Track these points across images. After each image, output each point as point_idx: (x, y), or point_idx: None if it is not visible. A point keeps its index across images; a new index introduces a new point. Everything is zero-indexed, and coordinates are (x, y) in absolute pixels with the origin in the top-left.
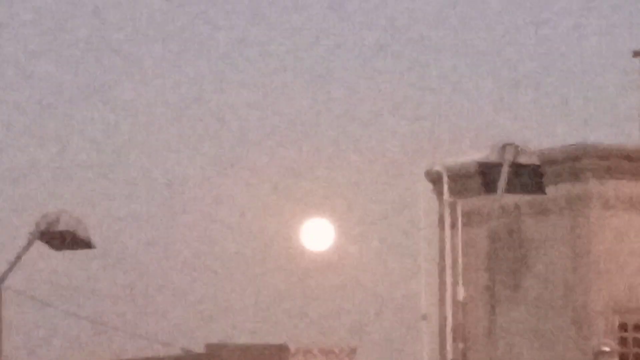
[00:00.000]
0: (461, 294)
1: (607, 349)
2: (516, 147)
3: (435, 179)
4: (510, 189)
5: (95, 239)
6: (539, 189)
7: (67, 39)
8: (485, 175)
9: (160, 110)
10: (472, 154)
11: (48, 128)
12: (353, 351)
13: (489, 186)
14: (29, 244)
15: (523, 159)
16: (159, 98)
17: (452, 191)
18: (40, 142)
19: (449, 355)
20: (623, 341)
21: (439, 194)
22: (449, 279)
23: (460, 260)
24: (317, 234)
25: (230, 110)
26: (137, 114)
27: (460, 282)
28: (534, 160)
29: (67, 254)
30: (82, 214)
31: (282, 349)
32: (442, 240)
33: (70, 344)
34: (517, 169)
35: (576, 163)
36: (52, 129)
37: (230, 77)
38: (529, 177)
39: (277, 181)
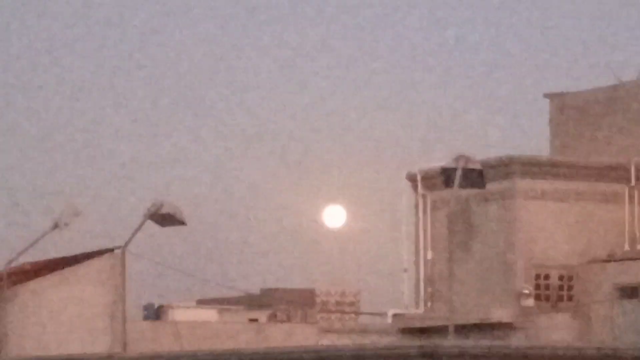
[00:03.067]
0: (429, 255)
1: (526, 291)
2: (466, 157)
3: (413, 179)
4: (462, 185)
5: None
6: (481, 185)
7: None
8: (446, 176)
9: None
10: (438, 162)
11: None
12: (358, 293)
13: (448, 183)
14: (143, 222)
15: (470, 165)
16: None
17: (424, 187)
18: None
19: (422, 296)
20: (537, 286)
21: (415, 188)
22: (421, 245)
23: (429, 233)
24: (334, 216)
25: (273, 115)
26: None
27: (429, 247)
28: (477, 166)
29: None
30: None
31: (310, 291)
32: (417, 220)
33: (165, 289)
34: (466, 172)
35: (506, 168)
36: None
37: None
38: (475, 177)
39: (307, 177)
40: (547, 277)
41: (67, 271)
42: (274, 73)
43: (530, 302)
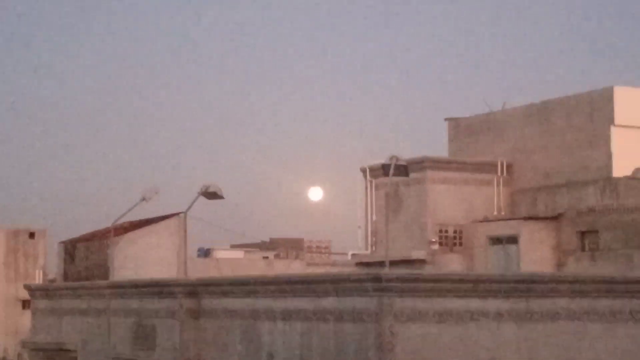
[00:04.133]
0: (374, 217)
1: (433, 240)
2: (397, 157)
3: (364, 170)
4: (394, 174)
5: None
6: (406, 174)
7: None
8: (385, 169)
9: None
10: (379, 160)
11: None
12: (330, 241)
13: (386, 173)
14: (197, 197)
15: (399, 162)
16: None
17: (370, 175)
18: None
19: (369, 243)
20: (440, 237)
21: (365, 177)
22: (368, 211)
23: (374, 204)
24: (315, 193)
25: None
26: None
27: (374, 212)
28: (404, 162)
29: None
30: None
31: (301, 240)
32: (366, 196)
33: (210, 238)
34: (397, 166)
35: (422, 164)
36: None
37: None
38: (402, 169)
39: (299, 168)
40: (446, 231)
41: (150, 227)
42: (277, 93)
43: (436, 247)
